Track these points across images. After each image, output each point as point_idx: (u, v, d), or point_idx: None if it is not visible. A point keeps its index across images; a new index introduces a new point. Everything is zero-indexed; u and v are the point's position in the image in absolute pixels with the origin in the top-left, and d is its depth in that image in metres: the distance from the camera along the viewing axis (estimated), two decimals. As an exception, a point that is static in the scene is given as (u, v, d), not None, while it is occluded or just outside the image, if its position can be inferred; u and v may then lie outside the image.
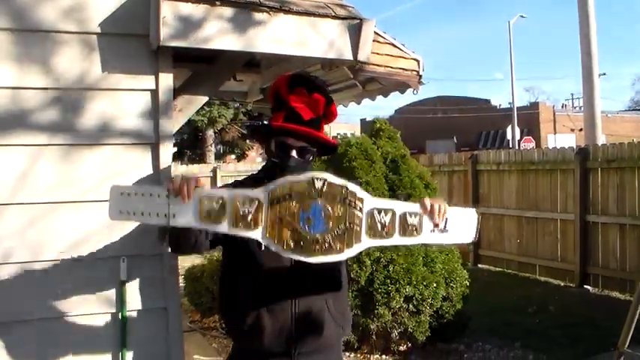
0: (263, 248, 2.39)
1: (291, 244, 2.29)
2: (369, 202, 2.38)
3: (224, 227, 2.29)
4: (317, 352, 2.59)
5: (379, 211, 2.38)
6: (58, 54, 3.04)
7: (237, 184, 2.65)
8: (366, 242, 2.37)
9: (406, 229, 2.42)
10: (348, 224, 2.32)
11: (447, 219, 2.49)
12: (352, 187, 2.35)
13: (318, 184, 2.28)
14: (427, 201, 2.47)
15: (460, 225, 2.57)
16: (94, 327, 3.12)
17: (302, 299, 2.54)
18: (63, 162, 3.06)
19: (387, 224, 2.39)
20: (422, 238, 2.48)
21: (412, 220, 2.43)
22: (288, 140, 2.55)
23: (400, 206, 2.43)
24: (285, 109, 2.57)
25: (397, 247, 5.90)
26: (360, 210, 2.34)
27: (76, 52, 3.06)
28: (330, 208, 2.29)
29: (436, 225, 2.46)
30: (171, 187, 2.27)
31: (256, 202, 2.27)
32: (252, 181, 2.67)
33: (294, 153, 2.56)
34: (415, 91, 4.36)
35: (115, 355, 3.14)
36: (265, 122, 2.66)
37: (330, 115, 2.66)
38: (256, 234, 2.29)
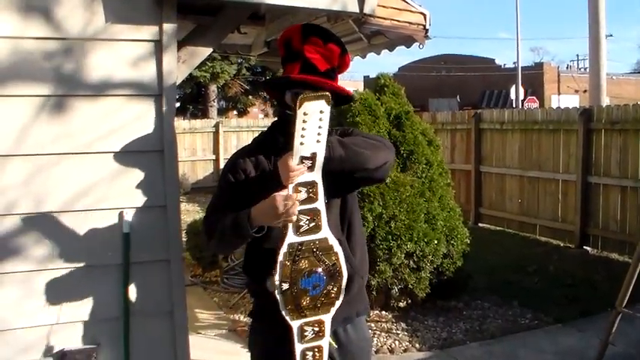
0: None
1: None
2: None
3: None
4: (342, 304, 2.51)
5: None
6: (60, 3, 3.00)
7: (246, 154, 2.60)
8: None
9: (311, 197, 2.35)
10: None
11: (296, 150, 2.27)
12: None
13: None
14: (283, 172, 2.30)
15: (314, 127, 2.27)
16: (97, 278, 3.14)
17: None
18: (66, 113, 3.05)
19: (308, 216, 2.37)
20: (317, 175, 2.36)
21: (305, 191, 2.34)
22: (304, 84, 2.45)
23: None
24: (299, 59, 2.48)
25: (400, 204, 5.90)
26: None
27: (77, 1, 3.02)
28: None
29: (308, 166, 2.30)
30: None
31: None
32: (258, 146, 2.63)
33: None
34: (421, 46, 4.32)
35: (118, 307, 3.17)
36: (282, 75, 2.54)
37: (343, 66, 2.60)
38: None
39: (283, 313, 2.36)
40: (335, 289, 2.41)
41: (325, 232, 2.38)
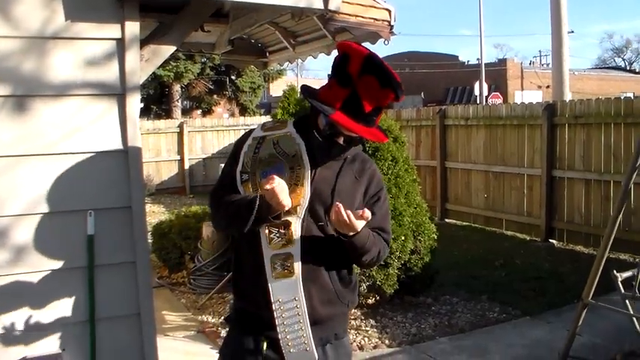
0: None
1: None
2: None
3: None
4: (318, 324, 2.44)
5: None
6: (18, 1, 2.93)
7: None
8: None
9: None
10: None
11: None
12: None
13: None
14: None
15: None
16: (61, 282, 3.08)
17: (305, 273, 2.38)
18: (26, 114, 2.98)
19: None
20: None
21: None
22: (342, 128, 2.38)
23: None
24: (349, 88, 2.35)
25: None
26: None
27: (37, -1, 2.96)
28: None
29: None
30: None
31: None
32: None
33: (341, 140, 2.41)
34: (386, 42, 4.30)
35: (83, 311, 3.11)
36: (324, 107, 2.32)
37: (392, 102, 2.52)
38: None
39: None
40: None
41: (289, 128, 2.47)
